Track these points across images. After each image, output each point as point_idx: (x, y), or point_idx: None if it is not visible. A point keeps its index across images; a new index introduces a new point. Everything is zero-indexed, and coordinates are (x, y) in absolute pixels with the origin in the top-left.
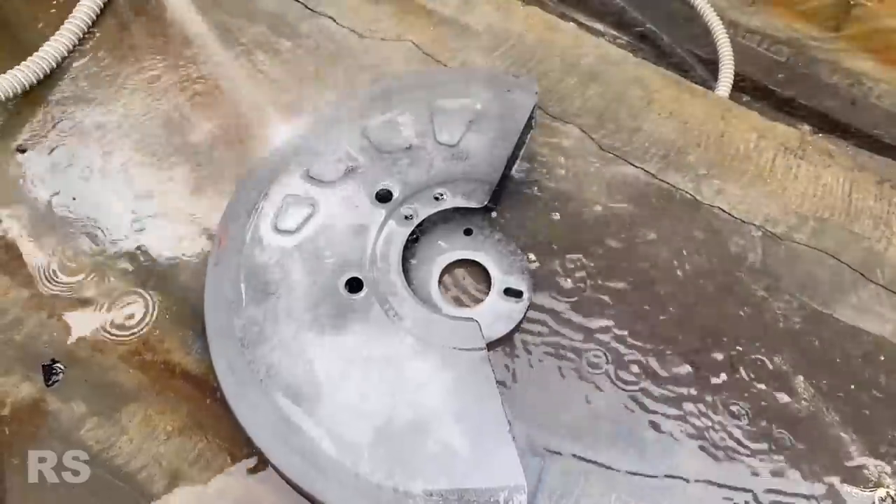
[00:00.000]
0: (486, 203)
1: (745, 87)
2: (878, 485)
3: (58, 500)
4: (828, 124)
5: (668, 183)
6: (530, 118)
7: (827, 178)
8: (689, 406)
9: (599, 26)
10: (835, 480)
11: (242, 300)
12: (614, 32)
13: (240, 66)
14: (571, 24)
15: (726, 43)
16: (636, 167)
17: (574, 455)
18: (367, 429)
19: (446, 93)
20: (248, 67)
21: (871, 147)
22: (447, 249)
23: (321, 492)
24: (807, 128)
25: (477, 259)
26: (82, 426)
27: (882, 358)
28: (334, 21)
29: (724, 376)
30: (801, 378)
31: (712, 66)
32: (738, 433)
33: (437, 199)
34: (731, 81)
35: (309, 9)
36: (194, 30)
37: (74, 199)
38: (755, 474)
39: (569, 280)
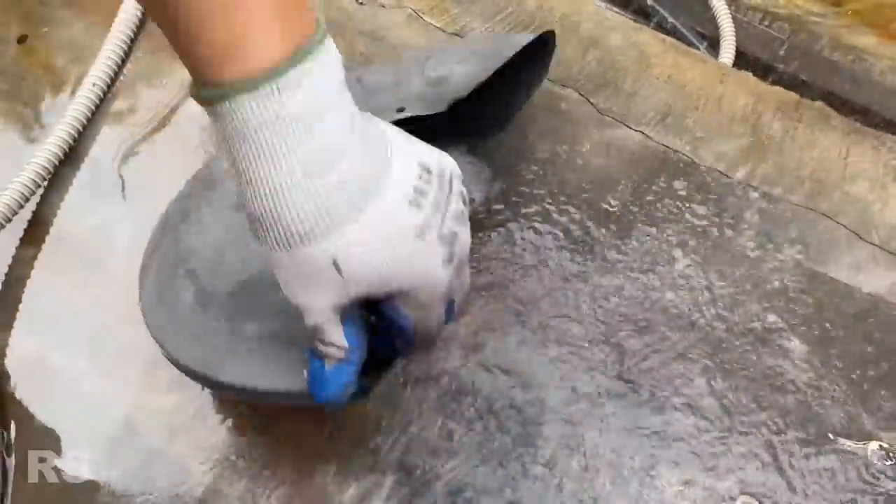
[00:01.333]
0: (444, 109)
1: (747, 64)
2: (870, 438)
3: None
4: (829, 100)
5: (665, 145)
6: (532, 61)
7: (824, 141)
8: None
9: (601, 4)
10: (828, 434)
11: None
12: (616, 10)
13: None
14: None
15: (727, 19)
16: (634, 130)
17: None
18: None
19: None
20: None
21: (871, 124)
22: None
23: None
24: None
25: None
26: None
27: (876, 316)
28: None
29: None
30: (794, 334)
31: (714, 42)
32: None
33: (398, 111)
34: (733, 57)
35: None
36: None
37: None
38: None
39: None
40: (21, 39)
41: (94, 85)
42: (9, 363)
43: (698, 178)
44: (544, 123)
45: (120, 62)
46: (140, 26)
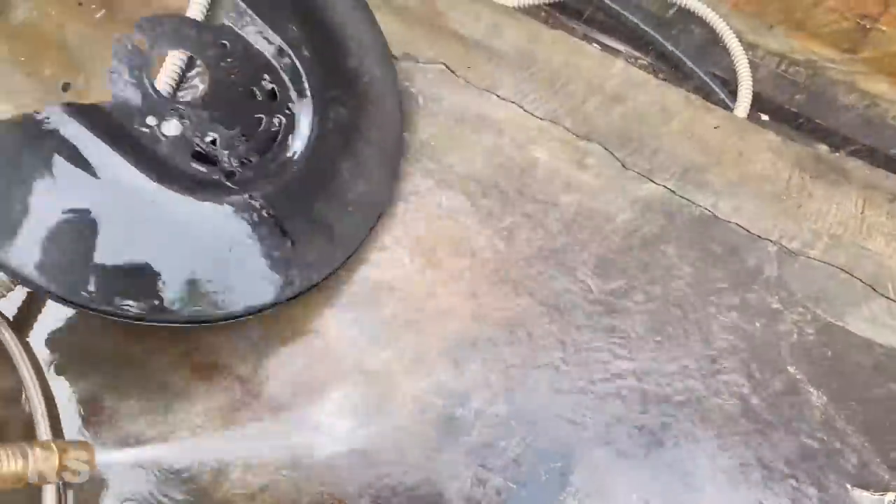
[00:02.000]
0: None
1: (764, 108)
2: (887, 488)
3: None
4: (844, 144)
5: (687, 199)
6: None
7: (840, 197)
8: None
9: (620, 47)
10: (846, 485)
11: None
12: (635, 53)
13: None
14: (596, 47)
15: (745, 64)
16: (657, 184)
17: None
18: None
19: None
20: None
21: (886, 167)
22: None
23: None
24: (824, 147)
25: None
26: None
27: (893, 368)
28: None
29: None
30: (813, 387)
31: (731, 86)
32: (751, 441)
33: None
34: (749, 101)
35: None
36: None
37: None
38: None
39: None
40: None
41: None
42: None
43: (719, 232)
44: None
45: None
46: None
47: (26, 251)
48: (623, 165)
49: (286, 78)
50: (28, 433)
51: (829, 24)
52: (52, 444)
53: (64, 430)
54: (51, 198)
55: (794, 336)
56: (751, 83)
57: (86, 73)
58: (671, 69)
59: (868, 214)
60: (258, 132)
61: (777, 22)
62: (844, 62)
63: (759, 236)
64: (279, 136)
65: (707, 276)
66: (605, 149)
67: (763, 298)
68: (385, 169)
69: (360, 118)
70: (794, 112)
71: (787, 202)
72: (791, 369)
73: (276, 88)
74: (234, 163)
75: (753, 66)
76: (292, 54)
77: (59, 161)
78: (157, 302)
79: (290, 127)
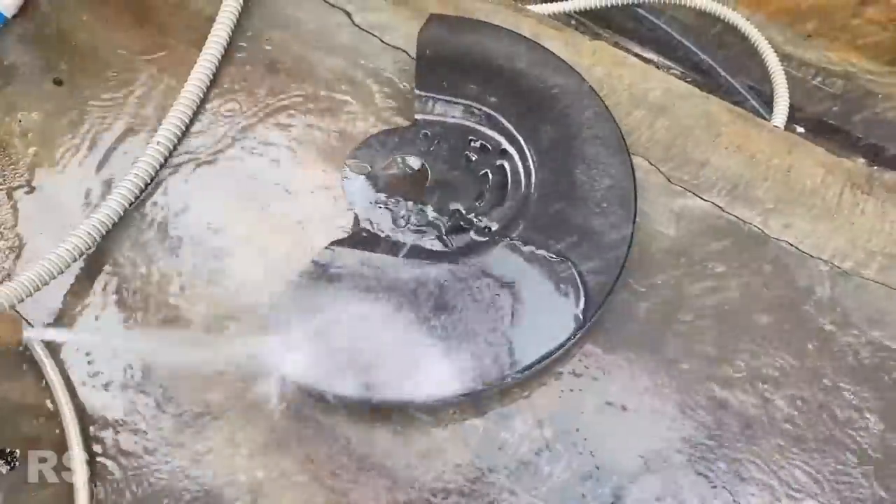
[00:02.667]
0: None
1: (800, 119)
2: None
3: None
4: (882, 158)
5: (736, 216)
6: None
7: (894, 215)
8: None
9: (654, 57)
10: None
11: None
12: (669, 63)
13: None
14: (637, 59)
15: (781, 76)
16: (704, 200)
17: None
18: None
19: None
20: None
21: None
22: None
23: None
24: (861, 160)
25: None
26: None
27: None
28: None
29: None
30: (871, 413)
31: (767, 97)
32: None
33: None
34: (787, 114)
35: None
36: None
37: None
38: None
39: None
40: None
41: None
42: None
43: (769, 250)
44: None
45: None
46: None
47: None
48: (668, 180)
49: (486, 129)
50: None
51: (868, 36)
52: None
53: None
54: None
55: (848, 359)
56: (787, 94)
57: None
58: (705, 79)
59: None
60: (490, 184)
61: (814, 32)
62: (883, 74)
63: (810, 255)
64: (509, 177)
65: (758, 295)
66: (650, 163)
67: (815, 319)
68: (609, 150)
69: (560, 120)
70: (830, 124)
71: (839, 219)
72: (847, 395)
73: (482, 143)
74: (485, 220)
75: (789, 78)
76: (480, 106)
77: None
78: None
79: (514, 163)
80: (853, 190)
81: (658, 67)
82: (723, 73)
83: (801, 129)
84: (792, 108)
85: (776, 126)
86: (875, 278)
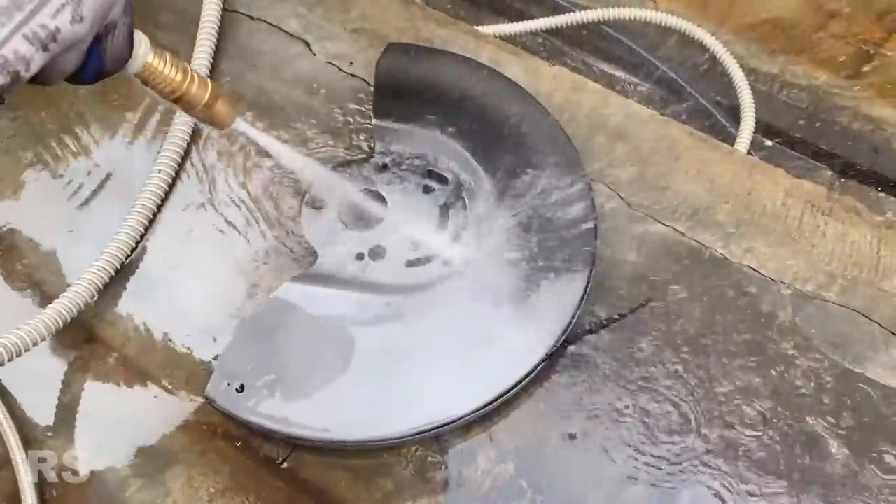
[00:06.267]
0: None
1: (767, 133)
2: None
3: None
4: (851, 170)
5: (697, 241)
6: None
7: (855, 236)
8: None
9: (620, 74)
10: None
11: None
12: (635, 80)
13: None
14: (598, 84)
15: (747, 90)
16: (665, 225)
17: None
18: None
19: None
20: None
21: (891, 191)
22: None
23: None
24: (830, 174)
25: None
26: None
27: None
28: None
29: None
30: (833, 437)
31: (732, 111)
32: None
33: None
34: (752, 128)
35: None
36: None
37: None
38: None
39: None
40: None
41: None
42: None
43: (731, 275)
44: None
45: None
46: None
47: None
48: (629, 206)
49: (444, 157)
50: None
51: (831, 50)
52: (208, 81)
53: None
54: None
55: (811, 384)
56: (753, 109)
57: None
58: (671, 95)
59: (884, 255)
60: (449, 215)
61: (778, 47)
62: (848, 87)
63: (772, 279)
64: (467, 199)
65: (719, 320)
66: (610, 188)
67: (778, 344)
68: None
69: (518, 149)
70: (798, 137)
71: (800, 242)
72: (809, 419)
73: (440, 172)
74: (445, 251)
75: (756, 92)
76: (439, 134)
77: None
78: None
79: (472, 192)
80: (813, 212)
81: (627, 84)
82: (689, 89)
83: (768, 143)
84: (759, 122)
85: (738, 148)
86: (836, 301)
